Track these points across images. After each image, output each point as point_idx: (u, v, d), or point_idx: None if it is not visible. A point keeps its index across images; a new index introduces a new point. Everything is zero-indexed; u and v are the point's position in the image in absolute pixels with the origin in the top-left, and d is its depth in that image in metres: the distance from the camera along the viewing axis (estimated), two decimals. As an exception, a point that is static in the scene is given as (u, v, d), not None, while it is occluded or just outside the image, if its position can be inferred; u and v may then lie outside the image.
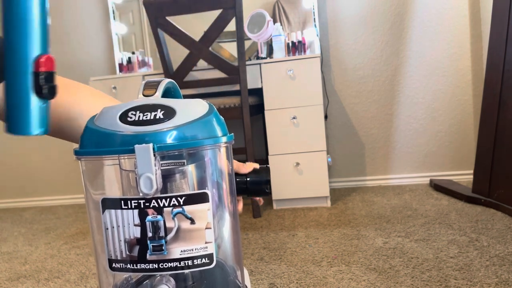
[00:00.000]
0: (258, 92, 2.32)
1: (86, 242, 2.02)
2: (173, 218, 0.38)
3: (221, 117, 0.43)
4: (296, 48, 2.41)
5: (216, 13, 2.04)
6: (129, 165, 0.41)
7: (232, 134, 0.43)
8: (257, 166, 0.56)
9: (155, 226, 0.38)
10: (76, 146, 0.42)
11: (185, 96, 0.61)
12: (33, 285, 1.56)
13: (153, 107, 0.39)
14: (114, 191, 0.44)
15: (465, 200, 2.09)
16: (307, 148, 2.20)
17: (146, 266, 0.38)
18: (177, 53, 2.25)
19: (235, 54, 2.26)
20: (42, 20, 0.32)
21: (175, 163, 0.43)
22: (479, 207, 1.99)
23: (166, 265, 0.38)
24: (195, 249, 0.38)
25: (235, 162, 0.53)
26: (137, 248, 0.38)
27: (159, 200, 0.37)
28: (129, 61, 2.70)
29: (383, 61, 2.58)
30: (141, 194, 0.36)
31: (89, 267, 1.69)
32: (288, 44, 2.41)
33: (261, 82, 2.22)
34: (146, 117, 0.38)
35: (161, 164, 0.38)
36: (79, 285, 1.52)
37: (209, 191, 0.39)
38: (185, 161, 0.43)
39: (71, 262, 1.76)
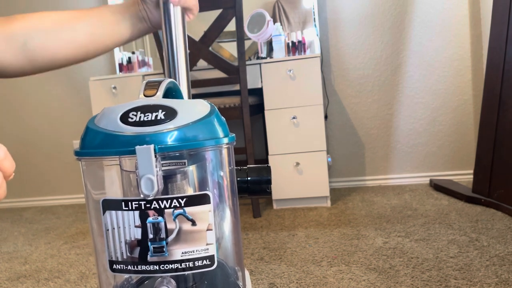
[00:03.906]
0: (258, 92, 2.31)
1: (86, 242, 2.02)
2: (174, 220, 0.37)
3: (223, 117, 0.42)
4: (296, 48, 2.41)
5: (216, 13, 2.04)
6: (130, 165, 0.41)
7: (234, 135, 0.43)
8: None
9: (156, 227, 0.37)
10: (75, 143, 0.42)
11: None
12: (33, 285, 1.55)
13: (154, 108, 0.39)
14: (114, 192, 0.44)
15: (465, 200, 2.09)
16: (307, 148, 2.20)
17: (147, 267, 0.38)
18: (177, 53, 2.25)
19: (235, 54, 2.26)
20: None
21: (176, 163, 0.43)
22: (479, 207, 1.99)
23: (167, 266, 0.38)
24: (196, 251, 0.38)
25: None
26: (138, 249, 0.38)
27: (160, 202, 0.37)
28: (129, 61, 2.69)
29: (383, 61, 2.58)
30: (142, 196, 0.36)
31: (89, 267, 1.68)
32: (288, 44, 2.41)
33: (261, 82, 2.22)
34: (147, 118, 0.38)
35: (162, 164, 0.37)
36: (79, 285, 1.51)
37: (210, 192, 0.39)
38: (186, 161, 0.42)
39: (71, 262, 1.76)
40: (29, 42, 0.63)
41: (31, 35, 0.64)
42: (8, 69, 0.65)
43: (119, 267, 0.39)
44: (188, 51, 0.63)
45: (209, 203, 0.38)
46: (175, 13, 0.60)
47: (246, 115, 2.11)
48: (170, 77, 0.60)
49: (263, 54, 2.43)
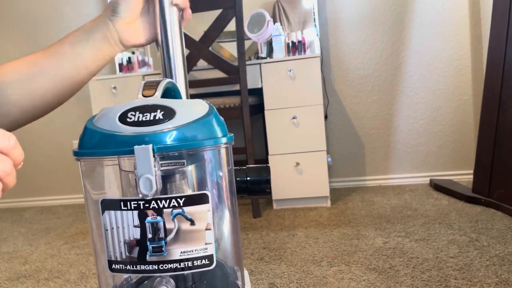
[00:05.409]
0: (258, 92, 2.31)
1: (86, 242, 2.02)
2: (173, 219, 0.37)
3: (221, 117, 0.42)
4: (296, 48, 2.41)
5: (216, 13, 2.04)
6: (128, 165, 0.41)
7: (232, 134, 0.43)
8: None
9: (154, 227, 0.37)
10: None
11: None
12: (33, 285, 1.56)
13: (152, 108, 0.39)
14: (113, 192, 0.44)
15: (465, 200, 2.09)
16: (307, 148, 2.20)
17: (146, 267, 0.38)
18: (177, 53, 2.25)
19: (235, 54, 2.26)
20: None
21: (175, 163, 0.43)
22: (479, 207, 1.99)
23: (166, 266, 0.38)
24: (195, 250, 0.38)
25: None
26: (137, 249, 0.38)
27: (158, 201, 0.37)
28: (129, 61, 2.69)
29: (383, 61, 2.58)
30: (140, 195, 0.36)
31: (89, 267, 1.69)
32: (288, 44, 2.40)
33: (261, 82, 2.22)
34: (145, 118, 0.38)
35: (161, 164, 0.37)
36: (79, 285, 1.52)
37: (209, 192, 0.39)
38: (185, 161, 0.42)
39: (71, 262, 1.76)
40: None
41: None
42: None
43: (118, 267, 0.39)
44: (185, 50, 0.63)
45: (208, 202, 0.38)
46: (170, 11, 0.60)
47: (246, 115, 2.11)
48: (167, 77, 0.60)
49: (263, 54, 2.43)
